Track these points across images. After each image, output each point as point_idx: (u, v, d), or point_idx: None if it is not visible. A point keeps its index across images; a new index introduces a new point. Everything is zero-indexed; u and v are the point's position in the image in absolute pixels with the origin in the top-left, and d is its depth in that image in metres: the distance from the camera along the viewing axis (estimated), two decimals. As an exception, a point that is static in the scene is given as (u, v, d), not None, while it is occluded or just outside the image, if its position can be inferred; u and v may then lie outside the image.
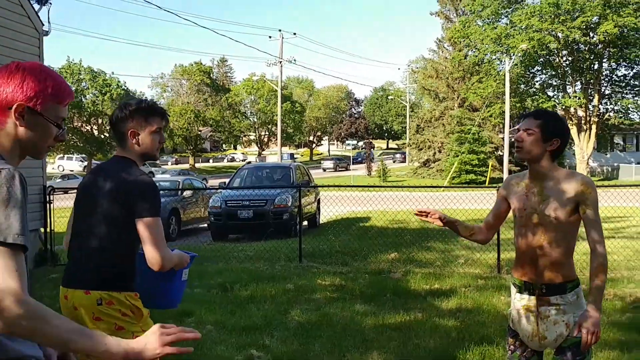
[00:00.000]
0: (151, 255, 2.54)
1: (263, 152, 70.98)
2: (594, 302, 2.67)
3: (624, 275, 8.12)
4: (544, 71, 40.11)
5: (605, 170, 45.70)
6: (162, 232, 2.61)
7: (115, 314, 2.58)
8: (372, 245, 10.69)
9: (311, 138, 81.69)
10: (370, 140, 66.60)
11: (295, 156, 71.65)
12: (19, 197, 1.49)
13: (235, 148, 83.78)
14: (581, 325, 2.65)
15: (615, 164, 45.20)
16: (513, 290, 2.96)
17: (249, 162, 39.05)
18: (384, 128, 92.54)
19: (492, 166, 37.52)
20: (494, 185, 10.13)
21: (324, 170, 56.10)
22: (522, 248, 2.88)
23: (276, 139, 48.72)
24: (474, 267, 8.84)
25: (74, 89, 19.91)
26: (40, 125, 1.65)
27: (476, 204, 13.26)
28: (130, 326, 2.60)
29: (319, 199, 15.68)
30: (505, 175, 33.68)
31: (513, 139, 2.93)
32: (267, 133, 70.02)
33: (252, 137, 73.91)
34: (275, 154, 51.54)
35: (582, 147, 38.48)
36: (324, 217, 16.31)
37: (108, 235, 2.63)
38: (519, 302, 2.90)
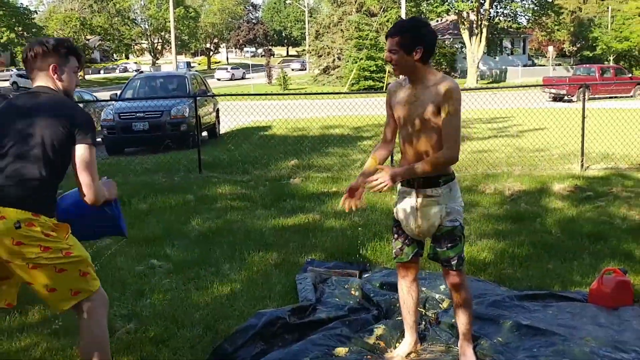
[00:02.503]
0: (86, 182, 2.62)
1: (157, 62, 67.92)
2: (400, 170, 2.98)
3: (504, 171, 8.77)
4: (438, -25, 40.42)
5: (494, 73, 47.82)
6: (95, 163, 2.69)
7: (38, 235, 2.54)
8: (273, 154, 10.81)
9: (208, 45, 78.82)
10: (270, 48, 65.35)
11: (192, 65, 69.11)
12: None
13: (127, 57, 79.40)
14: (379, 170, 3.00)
15: (503, 67, 47.34)
16: (398, 184, 3.19)
17: (141, 72, 37.37)
18: (283, 34, 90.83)
19: (389, 72, 38.13)
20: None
21: (218, 80, 53.47)
22: (403, 146, 3.12)
23: (171, 47, 46.71)
24: (369, 170, 9.20)
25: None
26: None
27: (375, 109, 13.62)
28: (57, 244, 2.59)
29: (217, 109, 15.45)
30: (401, 81, 34.47)
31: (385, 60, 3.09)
32: (160, 41, 66.80)
33: (144, 46, 70.30)
34: (171, 63, 49.56)
35: (473, 50, 39.77)
36: (224, 128, 16.17)
37: (39, 159, 2.59)
38: (402, 194, 3.17)
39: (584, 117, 9.24)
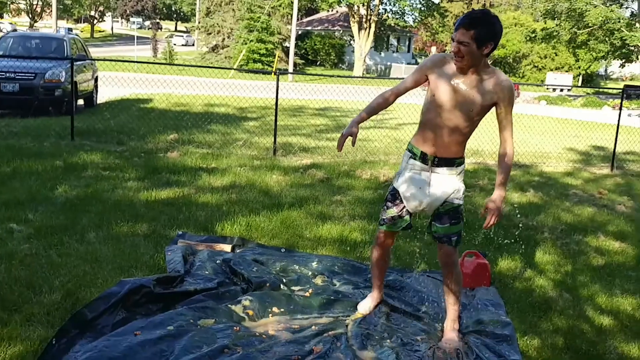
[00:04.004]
0: None
1: (36, 25, 63.04)
2: (498, 197, 3.12)
3: (381, 159, 9.07)
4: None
5: (379, 69, 49.27)
6: None
7: None
8: (152, 126, 10.42)
9: (93, 13, 74.41)
10: (158, 21, 62.96)
11: (73, 32, 64.96)
12: None
13: (1, 17, 73.16)
14: (488, 205, 3.08)
15: (388, 63, 48.87)
16: (407, 155, 3.24)
17: (15, 30, 34.56)
18: (173, 8, 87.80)
19: (278, 57, 38.08)
20: (287, 73, 10.33)
21: (174, 45, 49.95)
22: (430, 125, 3.13)
23: (51, 10, 43.62)
24: (251, 149, 9.15)
25: None
26: None
27: (261, 92, 13.55)
28: None
29: (96, 77, 14.63)
30: (291, 67, 34.54)
31: (452, 51, 3.03)
32: (40, 2, 62.11)
33: (21, 6, 65.01)
34: (50, 27, 46.29)
35: (361, 44, 40.67)
36: (102, 97, 15.37)
37: None
38: (412, 168, 3.21)
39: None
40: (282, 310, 3.54)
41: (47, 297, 3.45)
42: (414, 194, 3.21)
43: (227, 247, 4.57)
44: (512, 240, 5.27)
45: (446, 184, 3.16)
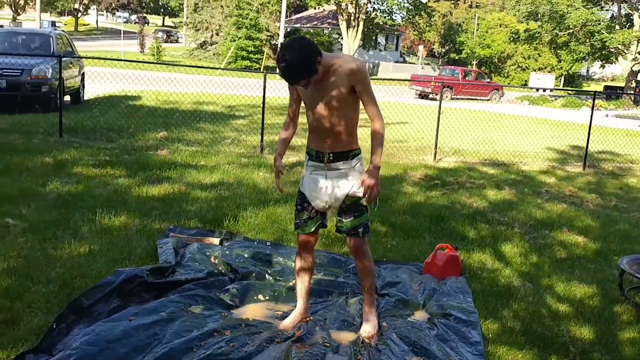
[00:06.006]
0: None
1: (18, 18, 62.47)
2: (373, 169, 3.16)
3: (365, 157, 9.32)
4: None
5: (367, 67, 49.51)
6: None
7: None
8: (141, 124, 10.62)
9: (77, 6, 73.92)
10: (145, 15, 62.78)
11: (57, 25, 64.51)
12: None
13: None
14: (364, 180, 3.15)
15: (376, 61, 49.23)
16: (306, 157, 3.36)
17: (1, 26, 34.41)
18: (160, 3, 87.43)
19: (267, 54, 38.27)
20: (276, 72, 10.49)
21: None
22: (312, 125, 3.26)
23: (34, 3, 43.39)
24: (239, 147, 9.40)
25: None
26: None
27: (250, 90, 13.76)
28: None
29: (83, 73, 14.77)
30: (278, 64, 34.65)
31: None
32: (23, -5, 61.55)
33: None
34: (34, 21, 46.03)
35: (349, 43, 40.93)
36: (89, 94, 15.50)
37: None
38: (310, 167, 3.33)
39: (439, 114, 10.08)
40: (266, 298, 3.82)
41: (45, 287, 3.68)
42: (316, 194, 3.30)
43: (215, 240, 4.83)
44: (484, 235, 5.59)
45: (342, 180, 3.23)
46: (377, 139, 3.21)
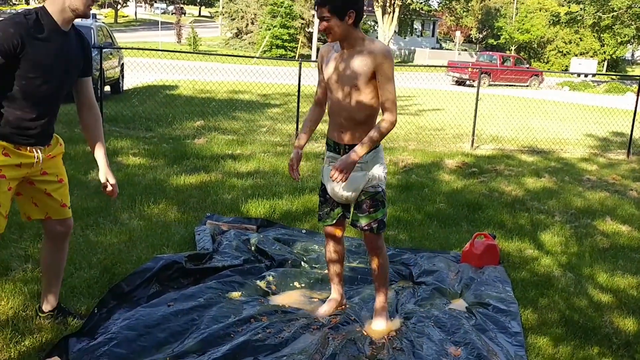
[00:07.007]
0: None
1: (60, 10, 63.81)
2: (347, 157, 2.97)
3: (400, 145, 9.29)
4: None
5: (402, 53, 49.08)
6: None
7: None
8: (178, 113, 10.75)
9: (116, -2, 75.05)
10: (182, 6, 63.32)
11: (98, 17, 65.68)
12: None
13: (27, 3, 74.13)
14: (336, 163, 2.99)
15: (412, 48, 48.69)
16: (326, 148, 3.27)
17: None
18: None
19: (301, 42, 38.23)
20: (311, 60, 10.43)
21: None
22: (331, 112, 3.16)
23: (75, -4, 44.05)
24: (274, 136, 9.44)
25: None
26: None
27: (285, 79, 13.79)
28: None
29: (123, 64, 15.01)
30: (314, 53, 34.68)
31: (319, 29, 3.07)
32: (64, -13, 62.69)
33: (46, -9, 65.80)
34: (75, 13, 46.77)
35: (385, 29, 40.53)
36: (128, 84, 15.75)
37: None
38: (328, 159, 3.25)
39: (477, 100, 9.92)
40: (302, 285, 3.84)
41: (87, 272, 3.77)
42: (332, 186, 3.20)
43: (252, 228, 4.87)
44: (522, 223, 5.49)
45: (358, 173, 3.09)
46: (377, 129, 3.01)
